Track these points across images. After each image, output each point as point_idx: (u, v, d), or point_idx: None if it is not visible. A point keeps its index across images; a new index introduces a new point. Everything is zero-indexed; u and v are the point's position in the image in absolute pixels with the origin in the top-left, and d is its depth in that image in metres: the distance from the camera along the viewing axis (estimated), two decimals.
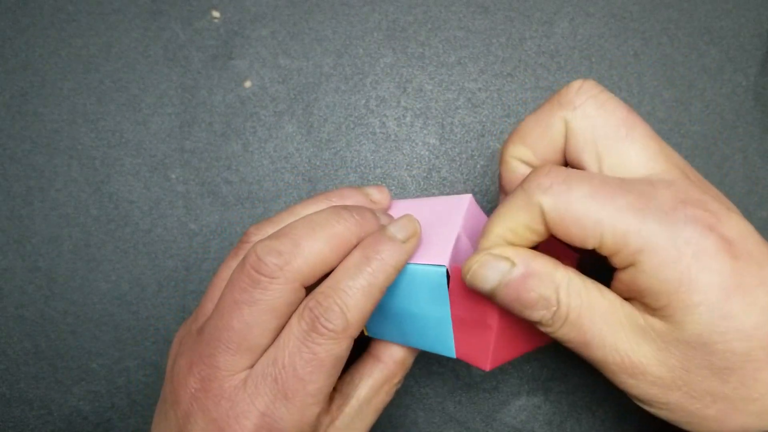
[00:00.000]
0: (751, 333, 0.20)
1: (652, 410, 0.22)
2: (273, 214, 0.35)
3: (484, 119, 0.35)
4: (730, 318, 0.20)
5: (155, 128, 0.35)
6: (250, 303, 0.23)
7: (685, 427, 0.22)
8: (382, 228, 0.25)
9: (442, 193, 0.35)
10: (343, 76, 0.35)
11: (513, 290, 0.22)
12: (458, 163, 0.35)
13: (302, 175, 0.35)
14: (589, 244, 0.21)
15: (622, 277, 0.22)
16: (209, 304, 0.27)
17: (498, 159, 0.26)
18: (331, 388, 0.24)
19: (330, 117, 0.35)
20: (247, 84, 0.35)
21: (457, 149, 0.35)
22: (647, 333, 0.21)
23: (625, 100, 0.35)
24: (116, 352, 0.34)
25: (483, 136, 0.35)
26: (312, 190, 0.35)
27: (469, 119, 0.35)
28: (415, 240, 0.25)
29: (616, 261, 0.21)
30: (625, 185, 0.21)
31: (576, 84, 0.24)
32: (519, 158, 0.25)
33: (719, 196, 0.23)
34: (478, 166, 0.35)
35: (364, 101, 0.35)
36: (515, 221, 0.22)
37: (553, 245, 0.26)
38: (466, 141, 0.35)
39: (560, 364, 0.34)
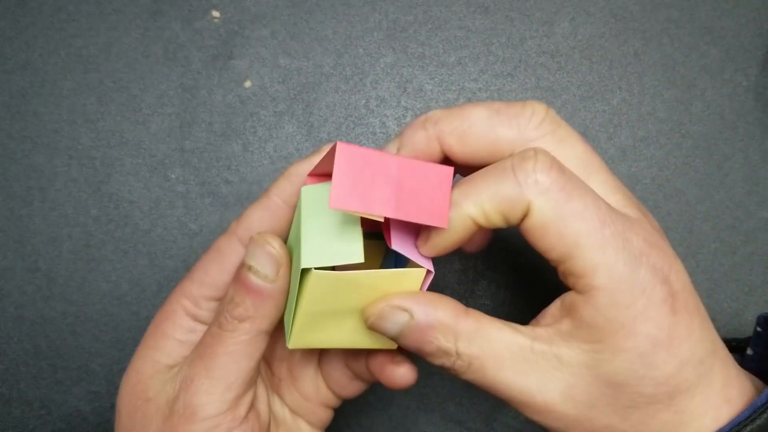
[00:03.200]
0: (662, 381, 0.21)
1: None
2: None
3: None
4: (650, 367, 0.20)
5: (155, 128, 0.35)
6: None
7: None
8: (240, 265, 0.23)
9: None
10: (343, 76, 0.35)
11: (412, 341, 0.22)
12: None
13: None
14: (553, 257, 0.21)
15: (566, 298, 0.22)
16: None
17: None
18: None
19: (330, 117, 0.35)
20: (247, 84, 0.35)
21: None
22: (560, 369, 0.21)
23: (626, 101, 0.35)
24: (116, 353, 0.34)
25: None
26: None
27: None
28: (285, 274, 0.23)
29: (569, 282, 0.21)
30: (611, 215, 0.21)
31: (536, 118, 0.22)
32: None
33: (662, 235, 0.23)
34: None
35: (364, 101, 0.35)
36: (493, 205, 0.21)
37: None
38: None
39: None
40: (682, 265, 0.22)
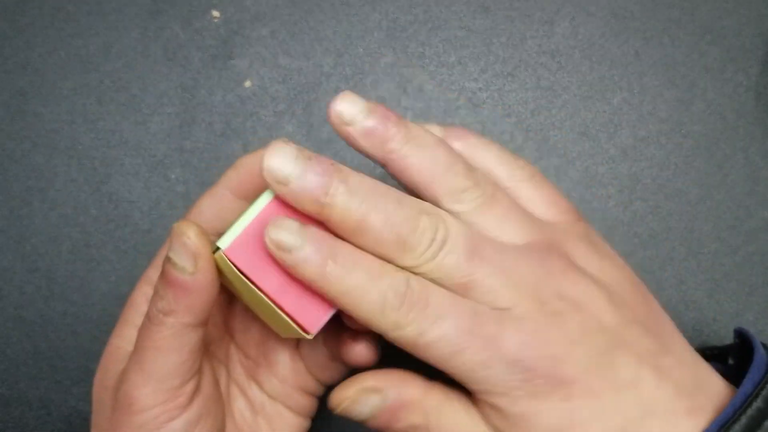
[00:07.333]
0: None
1: None
2: None
3: (484, 119, 0.35)
4: None
5: (155, 128, 0.35)
6: None
7: None
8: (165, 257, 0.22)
9: None
10: (344, 76, 0.35)
11: (384, 421, 0.23)
12: None
13: None
14: (446, 372, 0.23)
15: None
16: None
17: None
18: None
19: None
20: (247, 84, 0.35)
21: None
22: None
23: (626, 100, 0.35)
24: None
25: (483, 136, 0.35)
26: None
27: (469, 119, 0.35)
28: (206, 266, 0.22)
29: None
30: (472, 333, 0.21)
31: None
32: None
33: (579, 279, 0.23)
34: None
35: None
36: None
37: None
38: None
39: None
40: (583, 351, 0.22)
